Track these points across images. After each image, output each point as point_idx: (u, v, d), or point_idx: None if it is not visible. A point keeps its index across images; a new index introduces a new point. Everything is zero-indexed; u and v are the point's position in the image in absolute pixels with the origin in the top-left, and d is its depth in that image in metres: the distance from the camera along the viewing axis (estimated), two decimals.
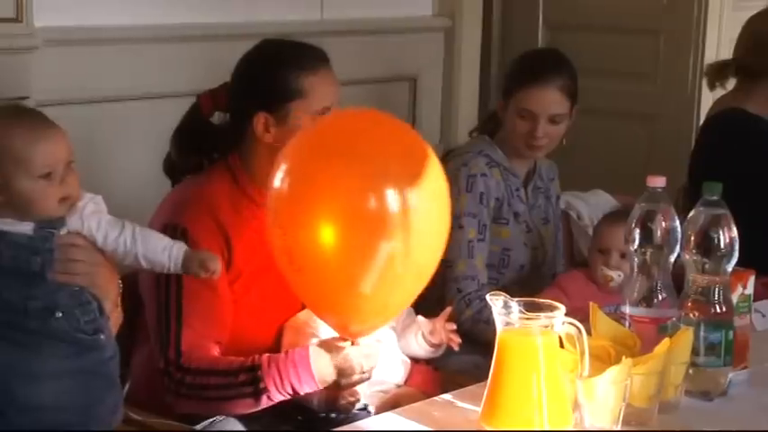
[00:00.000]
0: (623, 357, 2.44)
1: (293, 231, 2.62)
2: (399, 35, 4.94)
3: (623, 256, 3.33)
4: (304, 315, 2.97)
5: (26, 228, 2.40)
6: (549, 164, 3.85)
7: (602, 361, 2.45)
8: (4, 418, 2.37)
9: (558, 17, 5.58)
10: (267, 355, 2.78)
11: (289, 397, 2.77)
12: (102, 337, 2.46)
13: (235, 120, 3.05)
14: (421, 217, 2.59)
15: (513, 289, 3.33)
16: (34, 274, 2.39)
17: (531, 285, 3.47)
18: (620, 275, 3.35)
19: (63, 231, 2.43)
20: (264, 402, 2.76)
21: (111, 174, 3.90)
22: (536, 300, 2.45)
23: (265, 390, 2.73)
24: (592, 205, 4.03)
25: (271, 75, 2.98)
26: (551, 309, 2.38)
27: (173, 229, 2.84)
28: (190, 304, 2.83)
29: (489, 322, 3.22)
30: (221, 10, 4.30)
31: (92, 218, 2.47)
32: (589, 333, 2.46)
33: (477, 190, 3.48)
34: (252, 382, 2.75)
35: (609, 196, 4.10)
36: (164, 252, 2.53)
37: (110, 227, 2.50)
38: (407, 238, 2.57)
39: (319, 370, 2.72)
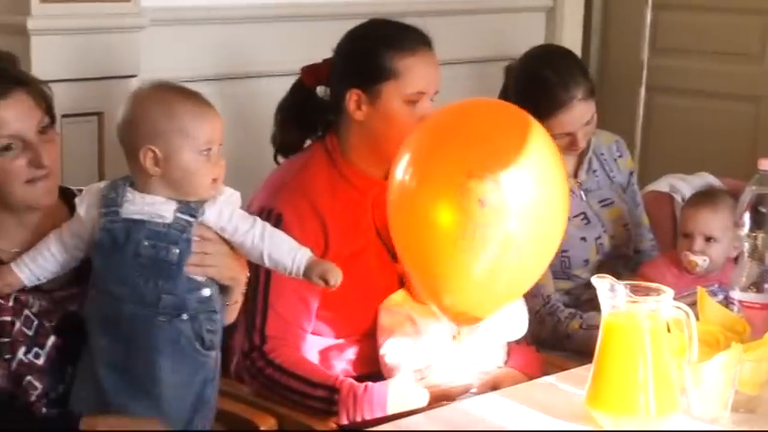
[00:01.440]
0: (733, 343, 2.40)
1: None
2: (500, 15, 4.89)
3: (708, 239, 3.25)
4: (399, 297, 2.94)
5: (166, 211, 2.39)
6: (611, 142, 3.69)
7: (710, 346, 2.41)
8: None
9: None
10: (350, 382, 2.77)
11: None
12: (213, 354, 2.48)
13: (332, 95, 3.03)
14: (536, 204, 2.58)
15: (586, 285, 3.29)
16: (171, 266, 2.39)
17: (609, 271, 3.37)
18: (705, 260, 3.26)
19: (200, 219, 2.42)
20: (329, 418, 2.76)
21: None
22: (643, 283, 2.39)
23: (336, 413, 2.73)
24: (697, 188, 3.93)
25: (366, 52, 2.96)
26: (658, 292, 2.32)
27: (268, 213, 2.84)
28: (277, 290, 2.82)
29: (569, 336, 3.20)
30: None
31: (226, 209, 2.46)
32: (697, 318, 2.40)
33: None
34: (327, 401, 2.75)
35: (714, 179, 4.00)
36: (288, 254, 2.50)
37: (241, 220, 2.50)
38: (523, 225, 2.56)
39: (395, 409, 2.70)
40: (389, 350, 2.86)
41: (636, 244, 3.63)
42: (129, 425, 2.39)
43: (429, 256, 2.68)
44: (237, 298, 2.53)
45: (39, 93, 2.48)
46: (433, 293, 2.76)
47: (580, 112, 3.34)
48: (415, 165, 2.68)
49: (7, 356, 2.42)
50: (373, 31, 3.04)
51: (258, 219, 2.53)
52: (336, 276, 2.48)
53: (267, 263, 2.50)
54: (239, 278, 2.53)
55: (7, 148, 2.39)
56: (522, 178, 2.60)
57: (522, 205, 2.60)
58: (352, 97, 2.91)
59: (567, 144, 3.38)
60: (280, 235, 2.53)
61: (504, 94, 3.53)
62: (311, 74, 3.08)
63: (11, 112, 2.40)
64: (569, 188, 3.38)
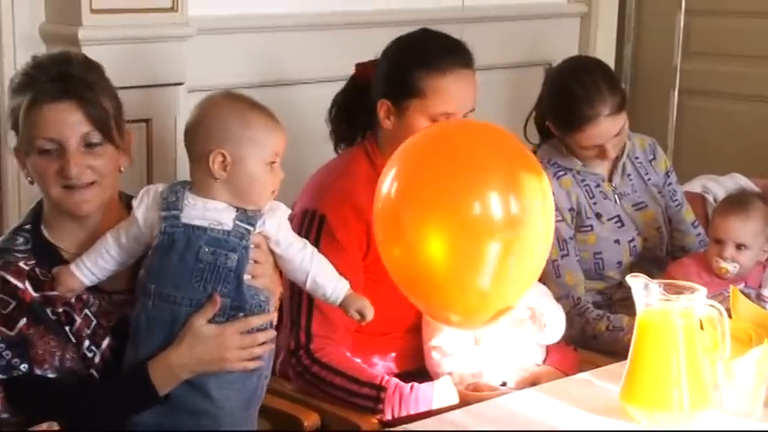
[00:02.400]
0: (765, 339, 2.41)
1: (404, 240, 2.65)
2: (536, 21, 4.88)
3: (739, 246, 3.22)
4: None
5: (226, 219, 2.42)
6: (645, 144, 3.66)
7: (742, 343, 2.43)
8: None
9: (699, 3, 5.46)
10: (396, 381, 2.78)
11: None
12: (264, 357, 2.51)
13: (371, 99, 3.02)
14: (527, 218, 2.57)
15: (618, 285, 3.30)
16: (229, 272, 2.41)
17: (642, 273, 3.37)
18: (735, 267, 3.23)
19: (260, 229, 2.44)
20: (372, 415, 2.77)
21: None
22: (676, 282, 2.42)
23: (382, 411, 2.74)
24: (728, 189, 3.93)
25: (400, 66, 2.96)
26: (692, 290, 2.34)
27: (312, 215, 2.88)
28: None
29: (596, 337, 3.21)
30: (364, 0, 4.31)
31: (284, 223, 2.50)
32: (729, 315, 2.42)
33: None
34: (373, 399, 2.76)
35: (746, 179, 4.01)
36: (331, 282, 2.54)
37: (294, 238, 2.54)
38: (515, 239, 2.56)
39: (439, 407, 2.72)
40: (439, 344, 2.88)
41: (678, 242, 3.62)
42: None
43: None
44: (272, 309, 2.54)
45: (93, 108, 2.48)
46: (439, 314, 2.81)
47: (606, 128, 3.33)
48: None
49: (74, 342, 2.48)
50: (412, 45, 3.02)
51: (307, 242, 2.56)
52: (371, 313, 2.55)
53: (308, 284, 2.54)
54: (277, 291, 2.56)
55: (45, 151, 2.44)
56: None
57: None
58: (383, 107, 2.92)
59: (598, 154, 3.40)
60: (325, 262, 2.56)
61: (540, 102, 3.56)
62: (363, 70, 3.09)
63: (55, 117, 2.44)
64: (603, 192, 3.44)
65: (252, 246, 2.44)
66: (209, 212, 2.41)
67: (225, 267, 2.40)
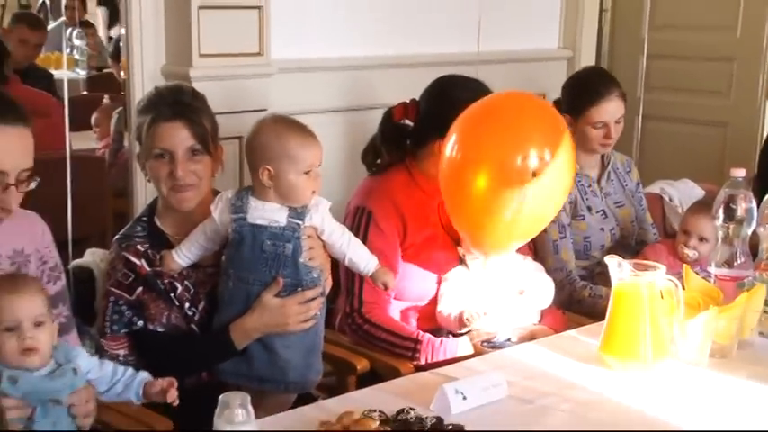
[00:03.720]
0: (710, 306, 2.39)
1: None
2: (534, 63, 4.84)
3: (702, 239, 3.17)
4: (457, 271, 2.90)
5: (281, 217, 2.40)
6: (624, 159, 3.64)
7: (693, 308, 2.40)
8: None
9: (656, 49, 5.44)
10: (428, 336, 2.75)
11: None
12: (318, 318, 2.49)
13: (419, 132, 2.94)
14: (549, 172, 2.54)
15: (599, 263, 3.26)
16: (286, 259, 2.41)
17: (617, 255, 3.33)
18: (695, 254, 3.18)
19: (307, 223, 2.42)
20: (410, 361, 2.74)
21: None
22: (642, 261, 2.40)
23: (417, 359, 2.72)
24: (681, 191, 3.90)
25: (450, 109, 2.76)
26: (655, 268, 2.33)
27: (362, 210, 2.84)
28: None
29: (580, 302, 3.18)
30: (402, 44, 4.24)
31: (327, 216, 2.47)
32: (683, 287, 2.40)
33: None
34: (411, 350, 2.73)
35: (694, 184, 3.97)
36: (363, 260, 2.54)
37: (335, 226, 2.52)
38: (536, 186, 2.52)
39: (460, 355, 2.68)
40: (444, 307, 2.84)
41: (641, 237, 3.57)
42: None
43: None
44: (323, 282, 2.51)
45: (197, 126, 2.50)
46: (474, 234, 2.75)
47: (615, 106, 3.34)
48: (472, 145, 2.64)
49: (177, 305, 2.48)
50: (456, 91, 2.90)
51: (346, 228, 2.56)
52: (393, 284, 2.59)
53: (347, 261, 2.55)
54: (327, 268, 2.53)
55: (160, 156, 2.46)
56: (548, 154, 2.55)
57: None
58: (438, 142, 2.76)
59: (603, 135, 3.36)
60: (359, 244, 2.56)
61: (558, 102, 3.51)
62: (401, 110, 2.99)
63: (167, 132, 2.46)
64: (593, 191, 3.41)
65: (305, 236, 2.43)
66: (267, 213, 2.41)
67: (283, 255, 2.40)
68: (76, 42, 7.14)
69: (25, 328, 1.92)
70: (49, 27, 7.17)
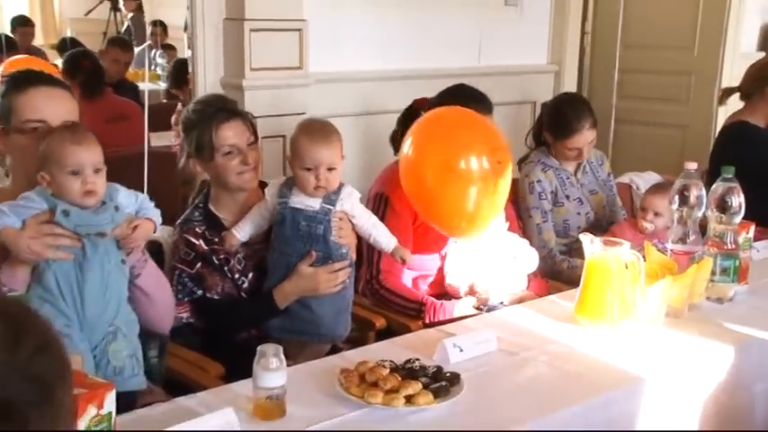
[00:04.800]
0: (666, 276, 2.34)
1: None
2: (526, 75, 4.77)
3: (656, 214, 3.12)
4: (453, 248, 2.84)
5: (315, 203, 2.36)
6: (597, 154, 3.53)
7: (652, 277, 2.34)
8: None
9: (627, 64, 5.44)
10: (431, 300, 2.72)
11: None
12: (347, 281, 2.45)
13: None
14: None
15: (576, 241, 3.19)
16: (318, 237, 2.37)
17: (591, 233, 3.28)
18: (652, 226, 3.12)
19: (338, 208, 2.38)
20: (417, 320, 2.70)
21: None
22: (611, 239, 2.35)
23: (422, 318, 2.68)
24: (646, 180, 3.80)
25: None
26: (620, 244, 2.27)
27: (380, 196, 2.80)
28: None
29: (560, 272, 3.16)
30: (413, 60, 4.18)
31: (356, 202, 2.43)
32: (644, 260, 2.35)
33: (536, 191, 3.24)
34: (417, 311, 2.70)
35: (657, 175, 3.89)
36: (384, 239, 2.48)
37: (363, 211, 2.47)
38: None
39: (458, 316, 2.63)
40: (452, 280, 2.79)
41: (611, 218, 3.49)
42: None
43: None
44: (350, 255, 2.47)
45: (248, 121, 2.47)
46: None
47: (586, 137, 3.23)
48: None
49: (230, 276, 2.44)
50: (460, 95, 2.88)
51: (372, 213, 2.51)
52: (409, 259, 2.53)
53: (371, 240, 2.50)
54: (353, 245, 2.48)
55: (229, 153, 2.40)
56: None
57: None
58: None
59: (576, 155, 3.29)
60: (382, 226, 2.50)
61: (539, 121, 3.45)
62: (421, 102, 2.98)
63: (231, 131, 2.41)
64: (571, 182, 3.34)
65: (336, 219, 2.38)
66: (303, 199, 2.37)
67: (316, 234, 2.37)
68: (159, 61, 7.15)
69: (87, 173, 1.87)
70: (137, 49, 7.23)
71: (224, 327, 2.41)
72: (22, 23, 6.78)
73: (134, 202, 2.01)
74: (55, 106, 2.02)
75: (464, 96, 2.88)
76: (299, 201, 2.37)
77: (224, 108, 2.46)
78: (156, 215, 2.04)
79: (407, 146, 2.63)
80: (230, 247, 2.42)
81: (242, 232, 2.42)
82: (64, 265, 1.88)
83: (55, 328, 0.74)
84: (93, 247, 1.89)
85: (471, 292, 2.72)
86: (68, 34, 6.87)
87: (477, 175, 2.54)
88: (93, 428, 1.34)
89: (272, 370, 1.71)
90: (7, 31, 6.71)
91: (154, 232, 2.05)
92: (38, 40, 7.17)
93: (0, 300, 0.78)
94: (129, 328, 2.02)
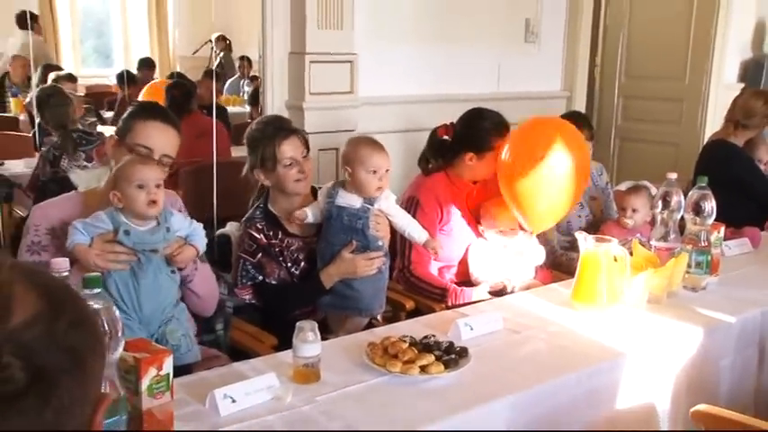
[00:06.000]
0: (649, 268, 2.26)
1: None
2: (540, 100, 4.67)
3: (634, 210, 3.03)
4: (476, 244, 2.78)
5: (357, 202, 2.33)
6: (597, 165, 3.47)
7: (637, 269, 2.26)
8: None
9: (629, 91, 5.37)
10: (453, 287, 2.66)
11: None
12: (383, 267, 2.40)
13: (454, 148, 2.78)
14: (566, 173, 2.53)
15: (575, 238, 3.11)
16: (357, 230, 2.33)
17: (588, 233, 3.14)
18: (632, 221, 3.02)
19: (376, 206, 2.34)
20: (442, 303, 2.63)
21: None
22: (602, 236, 2.28)
23: (445, 302, 2.62)
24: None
25: (483, 133, 2.71)
26: (609, 241, 2.21)
27: (413, 199, 2.74)
28: None
29: (560, 264, 3.10)
30: (443, 86, 4.14)
31: (392, 203, 2.39)
32: (631, 254, 2.27)
33: None
34: (441, 296, 2.64)
35: (650, 184, 3.74)
36: (417, 233, 2.44)
37: (398, 210, 2.42)
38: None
39: (475, 299, 2.58)
40: (479, 275, 2.73)
41: (607, 220, 3.39)
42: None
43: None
44: (385, 247, 2.41)
45: (303, 137, 2.44)
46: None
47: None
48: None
49: (285, 265, 2.42)
50: (485, 120, 2.76)
51: (407, 212, 2.46)
52: (438, 250, 2.46)
53: (405, 234, 2.46)
54: (388, 238, 2.41)
55: (290, 164, 2.37)
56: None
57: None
58: (468, 155, 2.72)
59: None
60: (415, 222, 2.46)
61: None
62: (444, 129, 2.86)
63: (290, 146, 2.38)
64: None
65: (374, 215, 2.34)
66: (347, 199, 2.34)
67: (356, 227, 2.33)
68: (246, 89, 7.22)
69: (151, 186, 1.87)
70: (230, 80, 7.33)
71: (279, 307, 2.40)
72: (147, 66, 6.93)
73: (187, 227, 1.99)
74: (163, 139, 2.05)
75: (480, 119, 2.78)
76: (343, 200, 2.34)
77: (283, 127, 2.44)
78: (201, 243, 2.00)
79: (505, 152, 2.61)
80: (300, 221, 2.37)
81: (309, 216, 2.40)
82: (123, 273, 1.89)
83: (91, 307, 0.73)
84: (147, 260, 1.90)
85: (496, 286, 2.66)
86: (177, 69, 6.98)
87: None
88: (154, 386, 1.33)
89: (309, 342, 1.69)
90: (133, 67, 6.84)
91: (197, 256, 2.02)
92: (156, 74, 7.29)
93: (47, 278, 0.76)
94: (181, 315, 2.01)
